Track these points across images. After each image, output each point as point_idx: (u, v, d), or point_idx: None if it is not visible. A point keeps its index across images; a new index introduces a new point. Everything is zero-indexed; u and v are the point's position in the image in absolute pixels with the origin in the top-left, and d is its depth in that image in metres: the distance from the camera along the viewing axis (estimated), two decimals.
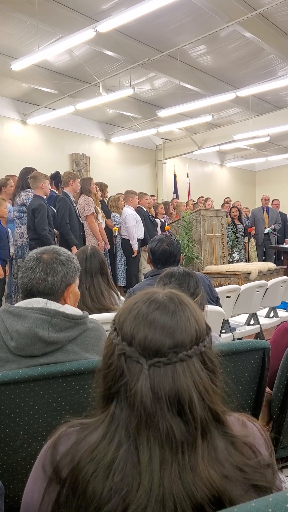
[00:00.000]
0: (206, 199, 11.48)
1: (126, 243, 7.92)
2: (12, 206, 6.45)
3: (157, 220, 9.29)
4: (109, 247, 7.49)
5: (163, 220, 9.41)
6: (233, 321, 4.79)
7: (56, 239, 6.31)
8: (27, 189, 6.18)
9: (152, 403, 0.80)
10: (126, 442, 0.81)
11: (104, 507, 0.76)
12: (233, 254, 9.70)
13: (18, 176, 6.59)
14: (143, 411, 0.80)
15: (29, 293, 1.66)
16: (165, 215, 9.85)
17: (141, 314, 0.86)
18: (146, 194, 9.15)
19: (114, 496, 0.77)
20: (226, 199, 12.30)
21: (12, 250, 6.11)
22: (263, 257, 11.11)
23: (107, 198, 8.36)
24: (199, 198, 12.05)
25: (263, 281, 5.01)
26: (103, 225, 7.50)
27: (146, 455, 0.79)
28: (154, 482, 0.77)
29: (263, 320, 4.95)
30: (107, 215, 7.88)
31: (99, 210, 7.35)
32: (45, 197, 6.04)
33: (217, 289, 3.82)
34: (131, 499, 0.76)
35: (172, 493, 0.76)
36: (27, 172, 6.33)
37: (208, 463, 0.79)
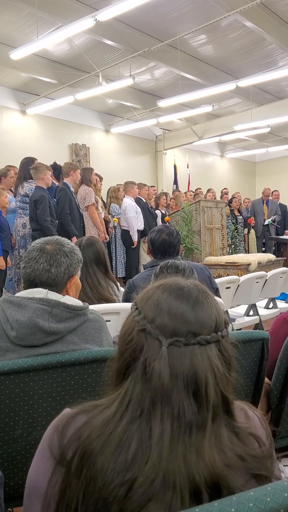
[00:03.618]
0: (208, 190, 11.44)
1: (125, 234, 7.92)
2: (15, 196, 6.45)
3: (157, 211, 9.27)
4: (108, 239, 7.49)
5: (163, 212, 9.39)
6: (232, 312, 4.81)
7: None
8: (30, 180, 6.18)
9: (169, 380, 0.81)
10: (139, 417, 0.82)
11: (113, 481, 0.77)
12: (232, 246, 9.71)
13: (18, 166, 6.57)
14: (160, 387, 0.81)
15: (32, 284, 1.66)
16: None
17: (165, 296, 0.88)
18: (145, 185, 9.12)
19: (122, 470, 0.78)
20: (224, 190, 12.28)
21: (12, 240, 6.11)
22: (263, 249, 11.12)
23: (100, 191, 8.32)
24: (197, 189, 12.01)
25: (263, 272, 5.02)
26: (102, 215, 7.50)
27: (158, 430, 0.80)
28: (163, 457, 0.78)
29: (262, 311, 4.96)
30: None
31: (99, 200, 7.34)
32: (46, 188, 6.04)
33: (217, 280, 3.82)
34: (139, 472, 0.77)
35: (174, 471, 0.77)
36: (28, 162, 6.31)
37: (214, 448, 0.80)
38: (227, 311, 4.20)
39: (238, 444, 0.84)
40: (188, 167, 14.53)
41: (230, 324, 0.95)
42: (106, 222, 7.68)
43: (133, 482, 0.76)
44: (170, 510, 0.74)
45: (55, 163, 7.65)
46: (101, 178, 8.06)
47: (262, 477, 0.83)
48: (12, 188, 6.60)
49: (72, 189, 6.55)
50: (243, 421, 0.91)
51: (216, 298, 2.94)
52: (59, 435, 0.88)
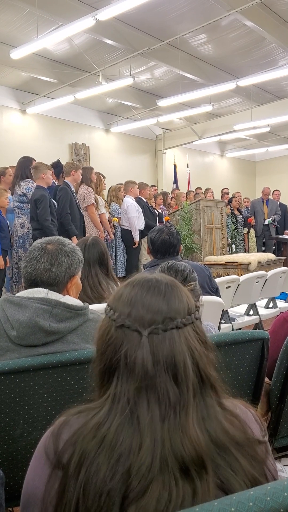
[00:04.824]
0: (206, 189, 11.44)
1: (126, 233, 7.92)
2: (12, 195, 6.43)
3: (155, 211, 9.26)
4: (112, 237, 7.48)
5: (160, 211, 9.38)
6: (232, 311, 4.81)
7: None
8: (27, 179, 6.15)
9: (152, 367, 0.84)
10: (126, 408, 0.84)
11: (111, 475, 0.79)
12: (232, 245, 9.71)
13: (16, 165, 6.56)
14: (144, 375, 0.84)
15: (33, 283, 1.66)
16: (162, 206, 9.82)
17: (136, 290, 0.91)
18: (147, 185, 9.12)
19: (118, 461, 0.79)
20: (224, 190, 12.27)
21: (11, 240, 6.11)
22: (263, 248, 11.12)
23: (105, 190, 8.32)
24: (197, 188, 12.01)
25: (263, 272, 5.02)
26: (107, 216, 7.50)
27: (147, 416, 0.82)
28: (156, 441, 0.80)
29: (262, 311, 4.97)
30: None
31: (103, 200, 7.35)
32: (46, 187, 6.04)
33: (217, 280, 3.83)
34: (133, 461, 0.79)
35: (165, 453, 0.80)
36: (26, 161, 6.29)
37: (197, 425, 0.83)
38: (227, 311, 4.20)
39: (227, 418, 0.87)
40: (188, 167, 14.53)
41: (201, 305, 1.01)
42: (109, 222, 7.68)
43: (129, 470, 0.78)
44: (169, 491, 0.77)
45: (58, 160, 7.63)
46: (103, 178, 8.06)
47: (252, 458, 0.85)
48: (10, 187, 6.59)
49: (73, 189, 6.55)
50: (232, 407, 0.93)
51: (216, 297, 2.92)
52: (54, 440, 0.88)
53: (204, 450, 0.80)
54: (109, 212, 7.83)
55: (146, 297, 0.89)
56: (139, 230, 7.94)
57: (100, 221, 7.19)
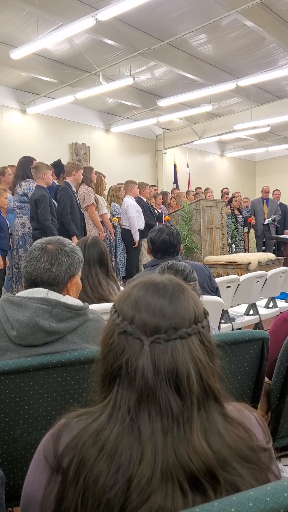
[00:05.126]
0: (206, 189, 11.44)
1: (126, 233, 7.92)
2: (12, 195, 6.43)
3: (155, 211, 9.26)
4: (113, 237, 7.48)
5: (159, 211, 9.38)
6: (232, 311, 4.80)
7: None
8: (28, 179, 6.16)
9: (153, 378, 0.82)
10: (127, 418, 0.82)
11: (110, 485, 0.77)
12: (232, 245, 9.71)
13: (16, 165, 6.56)
14: (145, 386, 0.82)
15: (33, 283, 1.66)
16: (162, 206, 9.82)
17: (142, 294, 0.89)
18: (147, 184, 9.12)
19: (118, 472, 0.78)
20: (224, 189, 12.27)
21: (11, 240, 6.11)
22: (263, 248, 11.12)
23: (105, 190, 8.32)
24: (197, 188, 12.01)
25: (263, 272, 5.02)
26: (109, 216, 7.49)
27: (148, 428, 0.81)
28: (157, 454, 0.79)
29: (262, 311, 4.96)
30: None
31: (105, 200, 7.35)
32: (46, 187, 6.04)
33: (217, 280, 3.83)
34: (134, 471, 0.77)
35: (169, 465, 0.78)
36: (26, 161, 6.30)
37: (202, 438, 0.81)
38: (227, 311, 4.19)
39: (230, 431, 0.85)
40: (188, 167, 14.52)
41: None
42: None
43: (129, 482, 0.77)
44: (173, 502, 0.75)
45: (59, 160, 7.63)
46: (104, 177, 8.06)
47: (256, 468, 0.83)
48: (10, 186, 6.59)
49: (74, 189, 6.55)
50: (236, 415, 0.91)
51: (216, 297, 2.93)
52: (54, 443, 0.88)
53: (213, 462, 0.79)
54: (110, 212, 7.83)
55: (152, 302, 0.87)
56: (139, 229, 7.94)
57: (102, 221, 7.19)
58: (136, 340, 0.85)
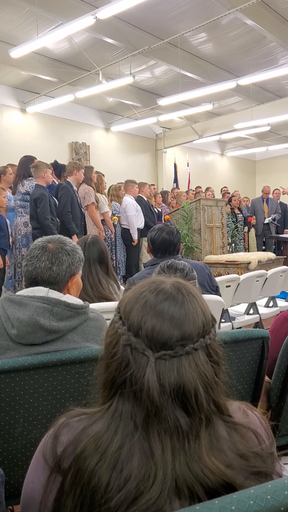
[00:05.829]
0: (207, 188, 11.43)
1: (126, 232, 7.92)
2: (13, 194, 6.44)
3: (155, 210, 9.26)
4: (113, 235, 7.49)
5: (160, 210, 9.38)
6: (232, 310, 4.81)
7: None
8: (30, 178, 6.17)
9: (159, 396, 0.79)
10: (135, 433, 0.80)
11: (113, 497, 0.76)
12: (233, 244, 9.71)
13: (18, 164, 6.56)
14: (151, 404, 0.80)
15: (33, 282, 1.66)
16: (163, 204, 9.82)
17: (149, 304, 0.85)
18: (146, 183, 9.12)
19: (123, 486, 0.76)
20: (224, 189, 12.27)
21: (11, 239, 6.10)
22: (263, 247, 11.12)
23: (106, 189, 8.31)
24: (197, 187, 12.00)
25: (263, 271, 5.02)
26: (110, 214, 7.49)
27: (159, 447, 0.79)
28: (167, 473, 0.77)
29: (262, 310, 4.96)
30: None
31: (106, 199, 7.35)
32: (46, 186, 6.04)
33: (217, 279, 3.82)
34: (144, 489, 0.76)
35: (185, 480, 0.77)
36: (28, 160, 6.30)
37: (210, 453, 0.80)
38: (227, 310, 4.19)
39: (240, 442, 0.84)
40: (188, 166, 14.52)
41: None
42: None
43: (137, 497, 0.76)
44: None
45: (56, 161, 7.64)
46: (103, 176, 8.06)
47: (263, 474, 0.83)
48: (11, 186, 6.59)
49: (75, 188, 6.55)
50: (242, 418, 0.90)
51: (216, 296, 2.92)
52: (53, 442, 0.87)
53: (229, 474, 0.78)
54: (111, 211, 7.83)
55: (160, 314, 0.83)
56: (138, 228, 7.94)
57: (104, 220, 7.20)
58: (140, 354, 0.82)
